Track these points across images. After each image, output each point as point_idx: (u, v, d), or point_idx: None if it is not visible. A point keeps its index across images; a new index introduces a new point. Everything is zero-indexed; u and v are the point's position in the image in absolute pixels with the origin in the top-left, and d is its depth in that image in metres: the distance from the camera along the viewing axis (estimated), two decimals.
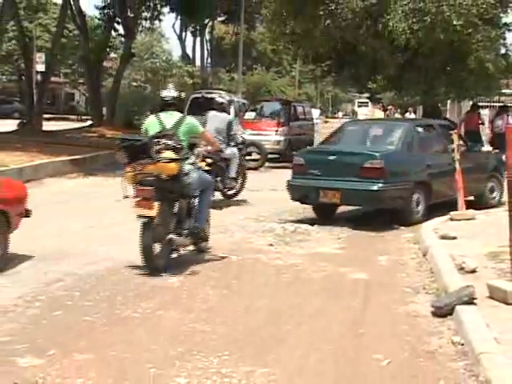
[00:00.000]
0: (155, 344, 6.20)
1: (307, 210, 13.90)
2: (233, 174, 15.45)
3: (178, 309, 7.30)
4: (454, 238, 10.54)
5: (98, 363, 5.69)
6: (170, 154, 9.03)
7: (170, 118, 9.54)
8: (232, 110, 15.28)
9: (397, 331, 6.72)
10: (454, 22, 21.21)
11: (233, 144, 15.30)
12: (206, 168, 10.43)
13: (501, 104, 30.66)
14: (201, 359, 5.80)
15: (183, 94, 9.57)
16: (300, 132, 28.32)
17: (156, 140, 9.11)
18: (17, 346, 5.99)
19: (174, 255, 9.44)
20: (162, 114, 9.63)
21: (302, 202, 13.89)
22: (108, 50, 40.72)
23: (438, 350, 6.16)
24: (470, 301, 6.86)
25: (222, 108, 15.96)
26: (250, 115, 27.12)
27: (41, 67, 38.97)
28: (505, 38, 25.33)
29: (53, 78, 42.26)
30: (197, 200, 9.70)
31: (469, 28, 21.73)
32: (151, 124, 9.68)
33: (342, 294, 8.17)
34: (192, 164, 9.55)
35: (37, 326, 6.71)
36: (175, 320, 6.96)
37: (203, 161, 10.42)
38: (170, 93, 9.65)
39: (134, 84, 49.44)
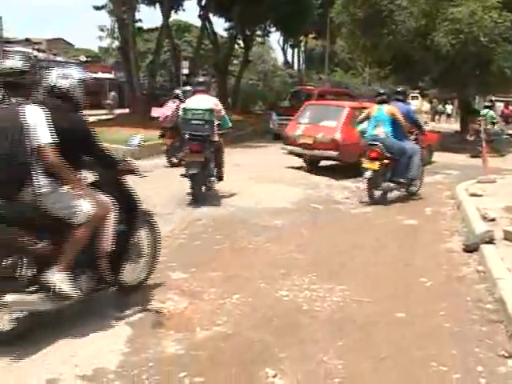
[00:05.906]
0: (264, 267, 6.27)
1: None
2: None
3: (280, 242, 7.33)
4: (480, 195, 10.25)
5: (224, 278, 5.81)
6: None
7: None
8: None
9: (437, 262, 6.63)
10: (481, 39, 20.88)
11: None
12: None
13: None
14: (296, 278, 5.85)
15: None
16: None
17: None
18: (170, 264, 6.16)
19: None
20: None
21: None
22: (232, 58, 41.11)
23: (467, 275, 6.09)
24: (490, 241, 6.78)
25: None
26: (283, 103, 25.81)
27: (186, 71, 39.28)
28: None
29: (193, 78, 42.65)
30: None
31: (492, 43, 21.31)
32: None
33: (398, 234, 8.06)
34: None
35: (183, 251, 6.88)
36: (278, 250, 7.00)
37: None
38: None
39: (250, 82, 49.47)
